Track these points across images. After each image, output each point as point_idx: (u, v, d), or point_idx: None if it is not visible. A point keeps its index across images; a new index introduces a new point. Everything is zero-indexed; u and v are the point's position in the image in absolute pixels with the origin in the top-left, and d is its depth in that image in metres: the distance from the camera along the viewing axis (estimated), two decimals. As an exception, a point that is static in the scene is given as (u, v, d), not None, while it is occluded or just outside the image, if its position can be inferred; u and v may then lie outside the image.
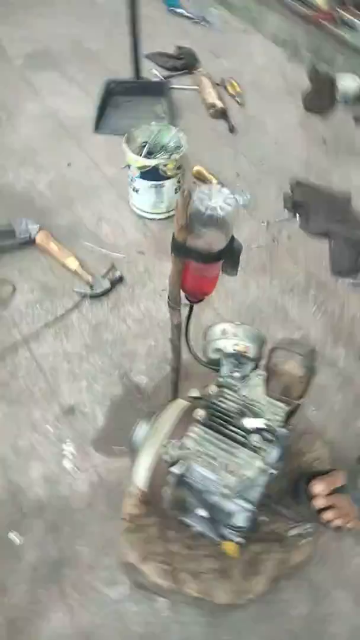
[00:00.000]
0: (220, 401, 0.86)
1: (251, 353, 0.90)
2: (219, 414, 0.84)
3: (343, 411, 1.20)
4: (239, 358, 0.90)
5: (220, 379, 0.90)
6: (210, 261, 0.74)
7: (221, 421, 0.83)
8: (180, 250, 0.73)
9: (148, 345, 1.29)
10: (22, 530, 1.02)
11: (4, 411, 1.18)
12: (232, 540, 0.80)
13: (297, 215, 1.60)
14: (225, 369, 0.90)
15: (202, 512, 0.80)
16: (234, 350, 0.90)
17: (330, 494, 0.87)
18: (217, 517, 0.80)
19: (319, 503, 0.87)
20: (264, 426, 0.80)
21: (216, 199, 0.67)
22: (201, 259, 0.73)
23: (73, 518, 1.04)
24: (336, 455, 1.06)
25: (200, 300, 0.87)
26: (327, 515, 0.88)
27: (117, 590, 0.96)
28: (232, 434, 0.81)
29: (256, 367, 0.91)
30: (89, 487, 1.08)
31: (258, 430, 0.80)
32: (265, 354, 0.91)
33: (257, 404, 0.86)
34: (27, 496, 1.06)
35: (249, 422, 0.81)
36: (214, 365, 0.95)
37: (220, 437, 0.81)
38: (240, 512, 0.77)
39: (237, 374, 0.90)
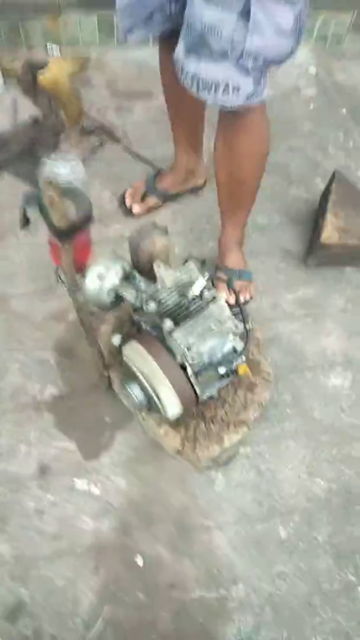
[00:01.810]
0: (164, 305, 0.96)
1: (129, 267, 1.00)
2: (174, 308, 0.96)
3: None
4: (130, 279, 0.99)
5: (139, 304, 0.98)
6: (63, 237, 0.73)
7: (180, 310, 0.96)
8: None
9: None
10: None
11: None
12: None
13: None
14: (131, 296, 0.98)
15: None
16: (119, 280, 0.97)
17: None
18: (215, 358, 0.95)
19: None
20: (205, 282, 0.96)
21: (63, 169, 0.65)
22: (57, 235, 0.73)
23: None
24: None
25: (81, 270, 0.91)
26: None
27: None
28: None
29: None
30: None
31: (203, 290, 0.96)
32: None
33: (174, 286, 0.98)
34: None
35: (196, 289, 0.95)
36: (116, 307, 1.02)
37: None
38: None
39: (143, 287, 0.98)
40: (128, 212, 1.56)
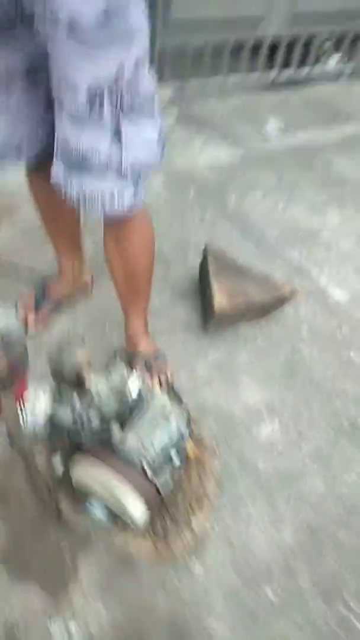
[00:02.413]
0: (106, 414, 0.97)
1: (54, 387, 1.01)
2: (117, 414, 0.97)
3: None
4: (61, 398, 0.99)
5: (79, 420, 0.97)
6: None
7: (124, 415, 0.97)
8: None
9: None
10: None
11: None
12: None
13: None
14: (68, 416, 0.97)
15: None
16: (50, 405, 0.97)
17: None
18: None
19: None
20: (139, 382, 1.00)
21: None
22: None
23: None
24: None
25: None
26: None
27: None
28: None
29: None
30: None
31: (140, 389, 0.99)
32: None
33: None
34: None
35: (133, 391, 0.98)
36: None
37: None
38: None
39: (77, 403, 0.99)
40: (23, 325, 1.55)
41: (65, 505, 1.08)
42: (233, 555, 1.16)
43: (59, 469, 0.98)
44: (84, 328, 1.60)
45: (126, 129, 1.00)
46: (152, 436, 0.95)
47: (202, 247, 1.77)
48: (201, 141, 2.56)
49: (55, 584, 1.08)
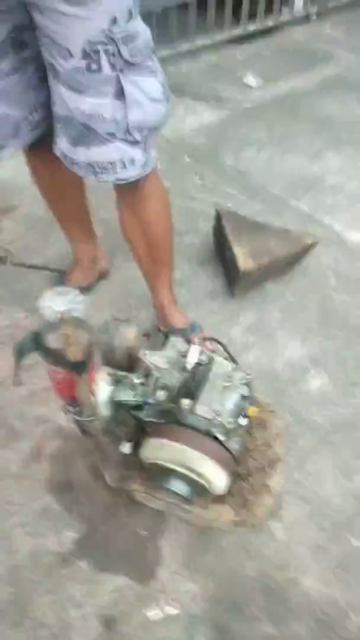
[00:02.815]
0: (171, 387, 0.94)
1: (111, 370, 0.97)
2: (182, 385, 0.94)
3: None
4: (118, 382, 0.96)
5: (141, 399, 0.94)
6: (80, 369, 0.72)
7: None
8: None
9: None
10: None
11: None
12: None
13: None
14: (130, 396, 0.95)
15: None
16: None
17: None
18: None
19: None
20: (198, 347, 0.97)
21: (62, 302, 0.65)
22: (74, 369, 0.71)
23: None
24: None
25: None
26: None
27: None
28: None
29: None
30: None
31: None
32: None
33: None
34: None
35: (193, 358, 0.95)
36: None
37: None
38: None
39: (136, 381, 0.96)
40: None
41: (138, 487, 1.05)
42: (310, 511, 1.15)
43: (128, 450, 0.95)
44: (109, 312, 1.55)
45: (128, 87, 0.94)
46: (220, 402, 0.92)
47: (210, 213, 1.71)
48: (183, 107, 2.47)
49: (141, 568, 1.07)
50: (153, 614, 1.01)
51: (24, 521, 1.12)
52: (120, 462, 1.07)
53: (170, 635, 0.98)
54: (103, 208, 1.79)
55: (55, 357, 0.66)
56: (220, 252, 1.67)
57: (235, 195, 1.97)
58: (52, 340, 0.66)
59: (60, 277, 1.56)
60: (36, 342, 0.67)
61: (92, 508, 1.14)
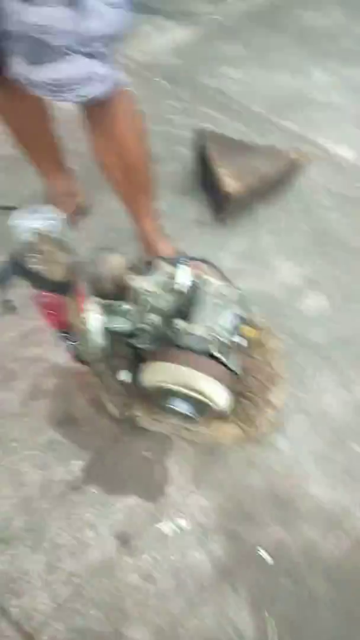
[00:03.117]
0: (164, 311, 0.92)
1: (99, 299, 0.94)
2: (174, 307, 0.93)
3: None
4: (109, 309, 0.94)
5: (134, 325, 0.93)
6: (66, 290, 0.67)
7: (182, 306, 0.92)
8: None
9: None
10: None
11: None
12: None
13: None
14: (123, 323, 0.94)
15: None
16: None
17: None
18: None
19: None
20: (187, 269, 0.95)
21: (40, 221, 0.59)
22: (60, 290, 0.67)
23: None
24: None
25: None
26: None
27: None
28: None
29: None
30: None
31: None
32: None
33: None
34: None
35: (184, 279, 0.93)
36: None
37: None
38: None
39: (127, 309, 0.95)
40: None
41: (140, 413, 1.05)
42: (313, 423, 1.17)
43: (126, 377, 0.93)
44: (92, 248, 1.50)
45: None
46: (217, 320, 0.90)
47: (189, 137, 1.62)
48: (152, 27, 2.29)
49: (151, 488, 1.09)
50: (165, 527, 1.04)
51: (31, 454, 1.13)
52: (121, 390, 1.06)
53: (184, 544, 1.02)
54: (74, 139, 1.69)
55: (37, 279, 0.63)
56: (205, 177, 1.59)
57: (215, 116, 1.86)
58: (32, 262, 0.62)
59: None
60: (15, 265, 0.63)
61: (97, 437, 1.15)
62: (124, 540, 1.03)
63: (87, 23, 0.87)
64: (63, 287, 0.63)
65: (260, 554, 1.01)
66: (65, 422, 1.18)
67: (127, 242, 1.45)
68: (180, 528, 1.04)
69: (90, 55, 0.91)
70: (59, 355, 1.28)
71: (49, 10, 0.84)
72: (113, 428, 1.14)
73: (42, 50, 0.89)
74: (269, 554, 1.01)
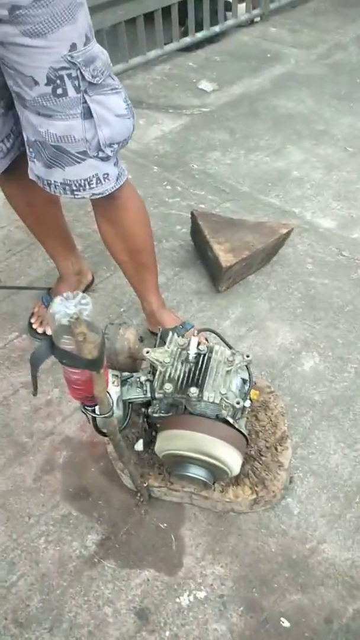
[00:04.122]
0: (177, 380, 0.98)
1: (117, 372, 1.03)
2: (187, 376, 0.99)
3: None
4: (125, 382, 1.02)
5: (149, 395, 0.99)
6: (97, 366, 0.73)
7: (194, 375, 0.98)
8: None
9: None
10: None
11: None
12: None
13: None
14: (138, 394, 1.01)
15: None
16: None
17: None
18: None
19: None
20: (197, 338, 1.02)
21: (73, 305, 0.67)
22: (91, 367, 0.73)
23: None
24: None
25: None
26: None
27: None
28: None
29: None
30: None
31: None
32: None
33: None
34: None
35: (194, 348, 1.01)
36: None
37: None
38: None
39: (143, 379, 1.02)
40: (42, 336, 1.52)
41: (154, 483, 1.08)
42: (322, 484, 1.20)
43: (141, 447, 0.98)
44: (102, 324, 1.58)
45: (94, 107, 0.99)
46: (225, 385, 0.96)
47: (184, 216, 1.77)
48: (143, 119, 2.54)
49: (166, 559, 1.09)
50: (184, 600, 1.04)
51: (46, 530, 1.14)
52: (137, 461, 1.10)
53: (204, 617, 1.01)
54: (79, 223, 1.84)
55: (71, 357, 0.70)
56: (201, 252, 1.72)
57: (206, 197, 2.03)
58: (66, 343, 0.70)
59: (48, 293, 1.59)
60: (51, 347, 0.70)
61: (111, 509, 1.16)
62: (143, 616, 1.02)
63: (101, 132, 1.01)
64: (93, 364, 0.70)
65: (282, 622, 1.01)
66: (79, 495, 1.20)
67: (134, 314, 1.54)
68: (199, 599, 1.04)
69: (102, 159, 1.05)
70: (72, 427, 1.32)
71: (68, 123, 0.99)
72: (127, 500, 1.16)
73: (60, 156, 1.02)
74: (288, 620, 1.01)
